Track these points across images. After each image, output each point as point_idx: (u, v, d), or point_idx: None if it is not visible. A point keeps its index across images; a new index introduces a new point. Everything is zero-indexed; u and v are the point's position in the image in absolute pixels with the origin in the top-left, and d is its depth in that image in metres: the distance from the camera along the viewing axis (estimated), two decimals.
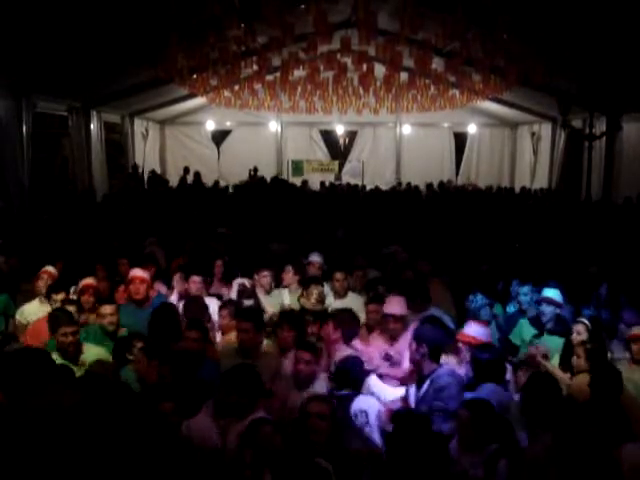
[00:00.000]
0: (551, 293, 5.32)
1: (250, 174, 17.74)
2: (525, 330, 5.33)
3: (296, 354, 4.37)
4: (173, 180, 17.47)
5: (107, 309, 5.17)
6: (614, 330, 5.39)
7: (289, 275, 6.39)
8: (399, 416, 3.50)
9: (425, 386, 3.97)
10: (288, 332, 4.77)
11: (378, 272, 7.10)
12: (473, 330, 4.66)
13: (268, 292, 6.31)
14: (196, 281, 6.16)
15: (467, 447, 3.44)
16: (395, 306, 5.16)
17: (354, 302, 5.98)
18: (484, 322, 4.92)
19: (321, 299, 5.59)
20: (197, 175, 16.64)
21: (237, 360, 4.26)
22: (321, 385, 4.32)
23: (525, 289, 5.79)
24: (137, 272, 5.91)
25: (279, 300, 6.18)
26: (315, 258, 7.01)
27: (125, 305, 5.73)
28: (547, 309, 5.22)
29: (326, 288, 6.18)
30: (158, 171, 18.14)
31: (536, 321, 5.32)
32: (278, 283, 6.57)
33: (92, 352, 4.70)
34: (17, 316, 5.80)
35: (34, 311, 5.70)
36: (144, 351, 4.53)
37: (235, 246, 8.54)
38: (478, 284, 6.44)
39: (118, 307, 5.34)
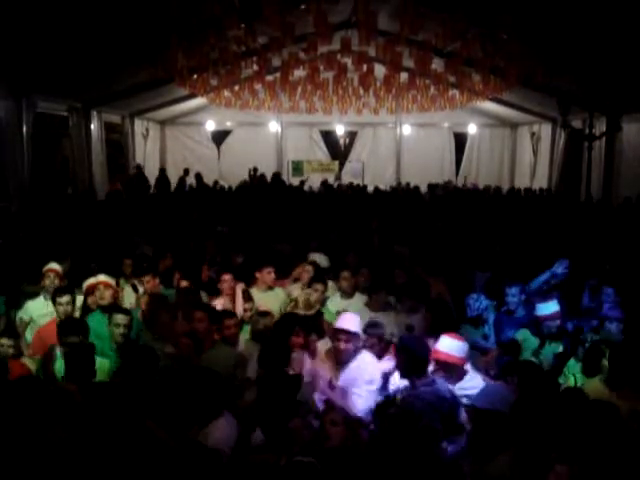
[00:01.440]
0: (549, 309, 5.23)
1: (250, 174, 17.74)
2: (527, 341, 5.29)
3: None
4: (173, 180, 17.46)
5: (119, 319, 5.00)
6: None
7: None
8: (386, 415, 3.56)
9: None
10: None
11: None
12: (446, 346, 4.26)
13: (271, 288, 6.27)
14: (227, 279, 6.10)
15: (475, 459, 3.36)
16: (349, 322, 4.50)
17: (361, 301, 5.96)
18: (458, 336, 4.49)
19: (308, 304, 5.60)
20: (198, 176, 16.63)
21: None
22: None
23: (514, 290, 5.75)
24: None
25: (280, 298, 6.15)
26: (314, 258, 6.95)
27: (93, 314, 5.47)
28: (552, 324, 5.19)
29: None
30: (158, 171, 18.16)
31: (537, 331, 5.28)
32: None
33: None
34: (20, 314, 5.75)
35: (38, 307, 5.70)
36: None
37: (235, 245, 8.54)
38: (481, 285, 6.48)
39: (132, 318, 5.15)
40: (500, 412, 3.37)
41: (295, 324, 4.79)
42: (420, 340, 4.42)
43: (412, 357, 4.07)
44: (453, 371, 4.20)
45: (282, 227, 9.84)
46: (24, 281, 6.45)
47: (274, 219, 10.69)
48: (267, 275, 6.26)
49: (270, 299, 6.03)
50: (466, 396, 4.01)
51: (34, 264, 6.67)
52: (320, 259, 7.06)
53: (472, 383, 4.17)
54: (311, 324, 5.05)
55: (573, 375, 4.58)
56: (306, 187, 17.51)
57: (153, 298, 5.75)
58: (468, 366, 4.38)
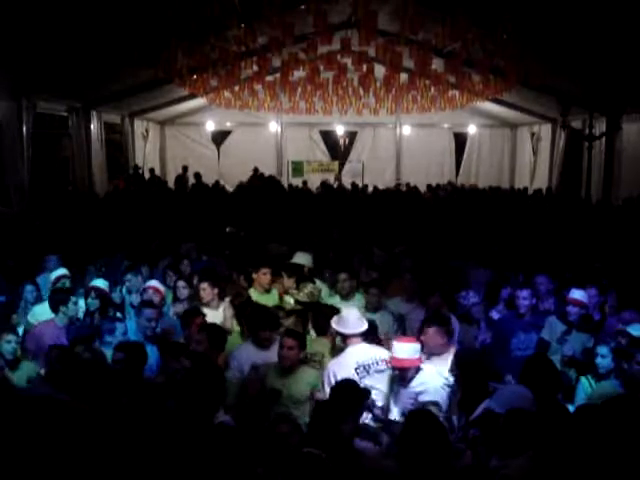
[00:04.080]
0: (578, 295, 5.39)
1: (250, 175, 17.71)
2: (555, 327, 5.38)
3: (281, 340, 4.43)
4: (172, 180, 17.47)
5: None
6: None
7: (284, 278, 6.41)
8: (414, 415, 3.50)
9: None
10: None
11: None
12: (405, 351, 4.25)
13: (268, 291, 6.26)
14: (205, 287, 5.96)
15: (502, 454, 3.29)
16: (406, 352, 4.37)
17: (360, 303, 5.95)
18: (410, 338, 4.50)
19: (310, 295, 5.64)
20: (198, 176, 16.61)
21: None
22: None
23: (525, 293, 5.66)
24: (152, 282, 5.95)
25: (277, 299, 6.14)
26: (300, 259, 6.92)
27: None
28: (573, 309, 5.30)
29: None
30: (158, 171, 18.15)
31: (564, 317, 5.38)
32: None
33: None
34: (28, 317, 5.75)
35: (43, 312, 5.65)
36: None
37: (239, 245, 8.57)
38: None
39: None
40: (520, 410, 3.31)
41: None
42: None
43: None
44: (412, 372, 4.27)
45: (281, 227, 9.85)
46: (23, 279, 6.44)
47: (273, 219, 10.69)
48: (263, 276, 6.23)
49: (268, 301, 5.98)
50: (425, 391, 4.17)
51: (32, 263, 6.68)
52: (305, 259, 7.01)
53: (427, 377, 4.26)
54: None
55: (586, 378, 4.56)
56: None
57: None
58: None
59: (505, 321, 5.81)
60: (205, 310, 5.62)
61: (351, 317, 4.64)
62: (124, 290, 6.27)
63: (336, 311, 5.01)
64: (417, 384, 4.21)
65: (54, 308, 5.39)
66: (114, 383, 4.04)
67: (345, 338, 4.58)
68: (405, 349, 4.23)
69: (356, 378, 4.24)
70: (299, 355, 4.42)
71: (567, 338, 5.20)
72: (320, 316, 5.16)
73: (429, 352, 4.53)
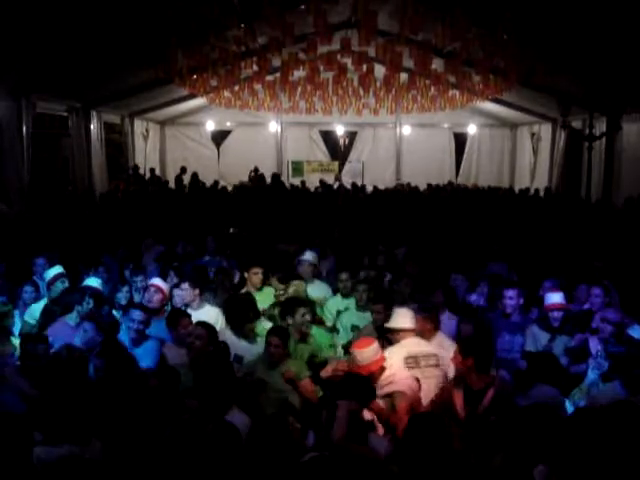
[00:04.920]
0: (555, 298, 5.30)
1: (250, 175, 17.72)
2: (538, 336, 5.29)
3: (268, 338, 4.65)
4: (172, 181, 17.46)
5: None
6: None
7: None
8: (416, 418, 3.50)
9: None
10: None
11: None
12: (369, 356, 4.26)
13: (259, 289, 6.30)
14: (186, 288, 5.87)
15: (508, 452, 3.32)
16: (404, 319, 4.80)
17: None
18: (368, 338, 4.56)
19: (295, 293, 5.81)
20: (194, 176, 16.61)
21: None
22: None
23: (511, 293, 5.56)
24: (155, 280, 5.81)
25: (270, 297, 6.16)
26: (307, 257, 6.94)
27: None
28: (555, 314, 5.25)
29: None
30: (157, 171, 18.15)
31: (544, 324, 5.31)
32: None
33: None
34: (25, 317, 5.70)
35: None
36: None
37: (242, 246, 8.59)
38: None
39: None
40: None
41: None
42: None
43: None
44: (379, 372, 4.27)
45: (282, 227, 9.86)
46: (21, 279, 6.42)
47: (274, 219, 10.69)
48: (254, 276, 6.31)
49: (260, 299, 5.93)
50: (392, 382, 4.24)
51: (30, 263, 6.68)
52: (312, 257, 7.02)
53: (392, 369, 4.32)
54: None
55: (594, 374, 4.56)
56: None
57: None
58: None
59: (491, 320, 5.70)
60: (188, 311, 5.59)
61: (401, 314, 4.85)
62: (125, 290, 6.22)
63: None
64: (383, 377, 4.28)
65: (68, 308, 5.32)
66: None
67: (396, 333, 4.73)
68: (365, 354, 4.25)
69: (405, 367, 4.40)
70: (285, 351, 4.64)
71: (552, 345, 5.12)
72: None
73: (420, 336, 4.81)
